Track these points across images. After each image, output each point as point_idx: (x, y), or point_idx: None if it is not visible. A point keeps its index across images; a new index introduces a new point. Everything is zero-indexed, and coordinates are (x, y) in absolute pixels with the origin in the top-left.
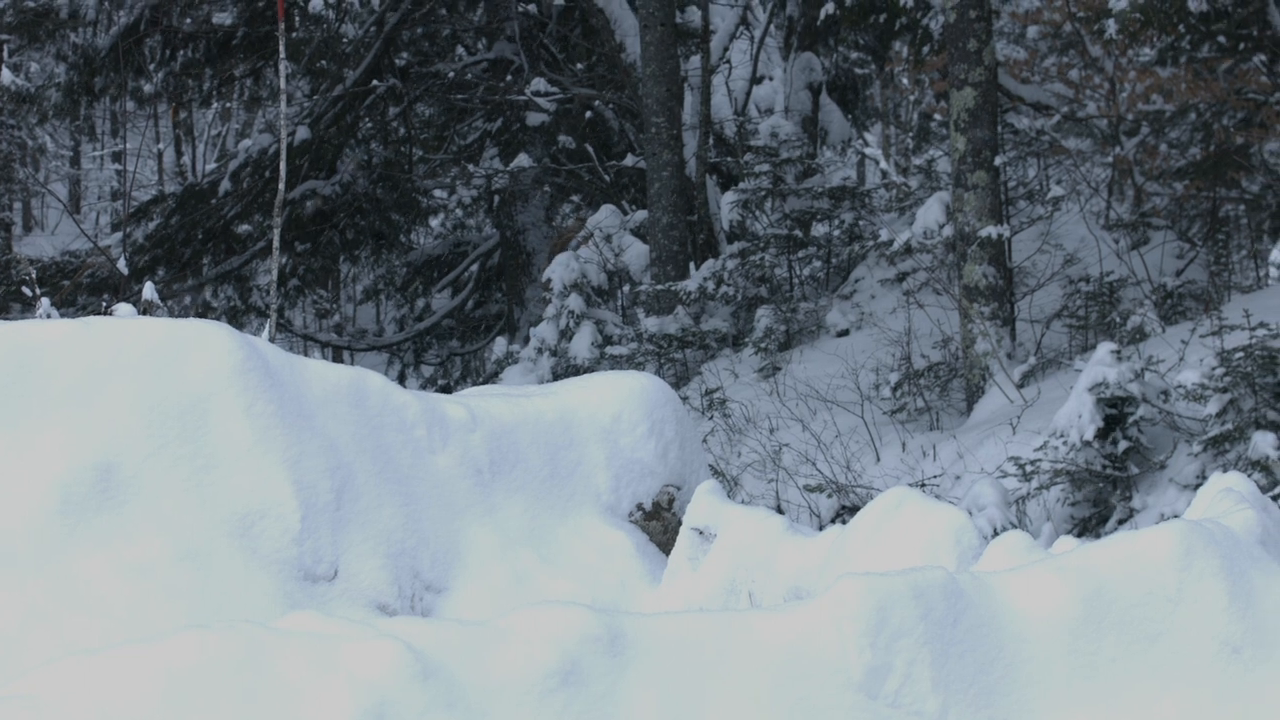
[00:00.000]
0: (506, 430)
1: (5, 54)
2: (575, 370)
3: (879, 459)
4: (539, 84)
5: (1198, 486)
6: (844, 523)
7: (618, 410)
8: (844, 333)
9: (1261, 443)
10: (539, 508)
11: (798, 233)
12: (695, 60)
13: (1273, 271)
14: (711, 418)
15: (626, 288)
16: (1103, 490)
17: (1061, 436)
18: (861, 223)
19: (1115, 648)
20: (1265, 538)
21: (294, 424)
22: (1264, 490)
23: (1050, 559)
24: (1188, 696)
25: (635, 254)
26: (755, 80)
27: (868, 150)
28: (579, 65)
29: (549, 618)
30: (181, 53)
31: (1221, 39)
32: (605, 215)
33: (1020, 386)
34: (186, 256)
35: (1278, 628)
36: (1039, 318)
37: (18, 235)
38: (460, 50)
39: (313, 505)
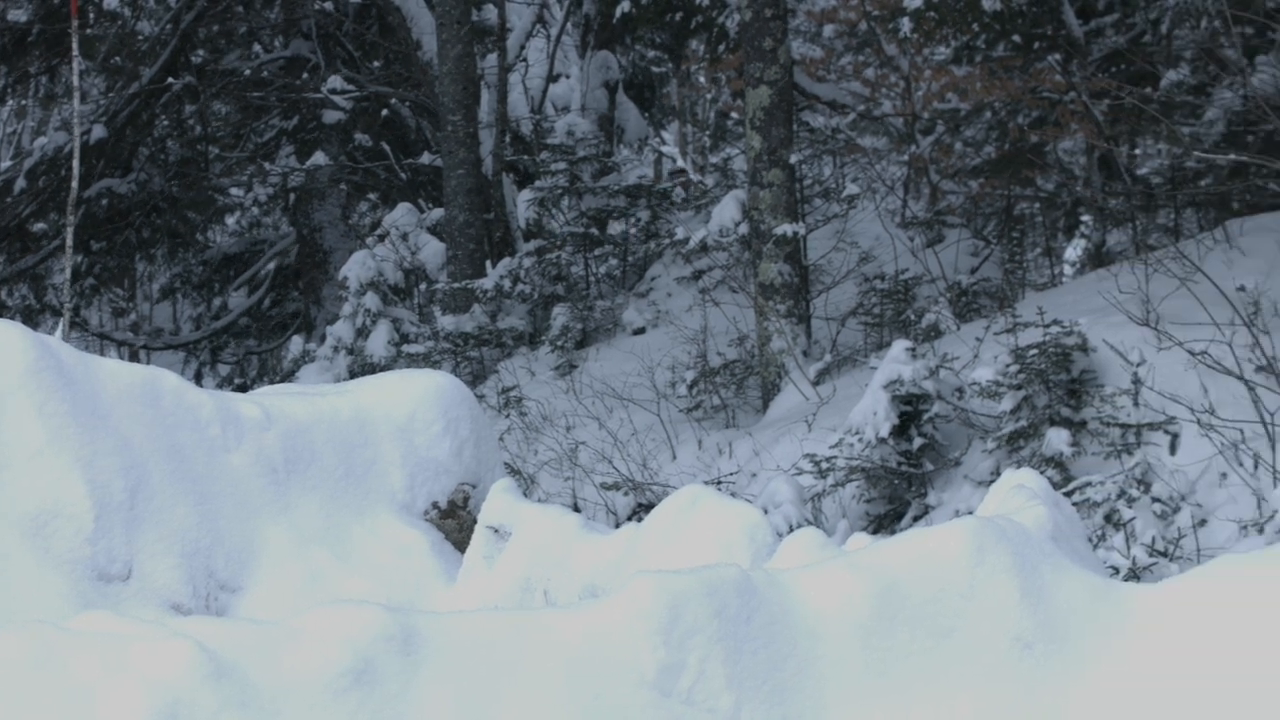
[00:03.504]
0: (301, 429)
1: None
2: (372, 369)
3: (675, 456)
4: (335, 82)
5: (992, 483)
6: (640, 520)
7: (413, 409)
8: (640, 331)
9: (1055, 439)
10: (334, 506)
11: (594, 231)
12: (492, 58)
13: (1067, 269)
14: (508, 416)
15: (423, 286)
16: (898, 487)
17: (857, 434)
18: (658, 221)
19: (908, 644)
20: (1057, 534)
21: (88, 423)
22: (1058, 486)
23: (843, 556)
24: (980, 691)
25: (432, 252)
26: (552, 78)
27: (664, 148)
28: (376, 63)
29: (342, 617)
30: None
31: (1016, 38)
32: (402, 213)
33: (816, 384)
34: None
35: (1068, 623)
36: (834, 315)
37: None
38: (257, 48)
39: (106, 505)
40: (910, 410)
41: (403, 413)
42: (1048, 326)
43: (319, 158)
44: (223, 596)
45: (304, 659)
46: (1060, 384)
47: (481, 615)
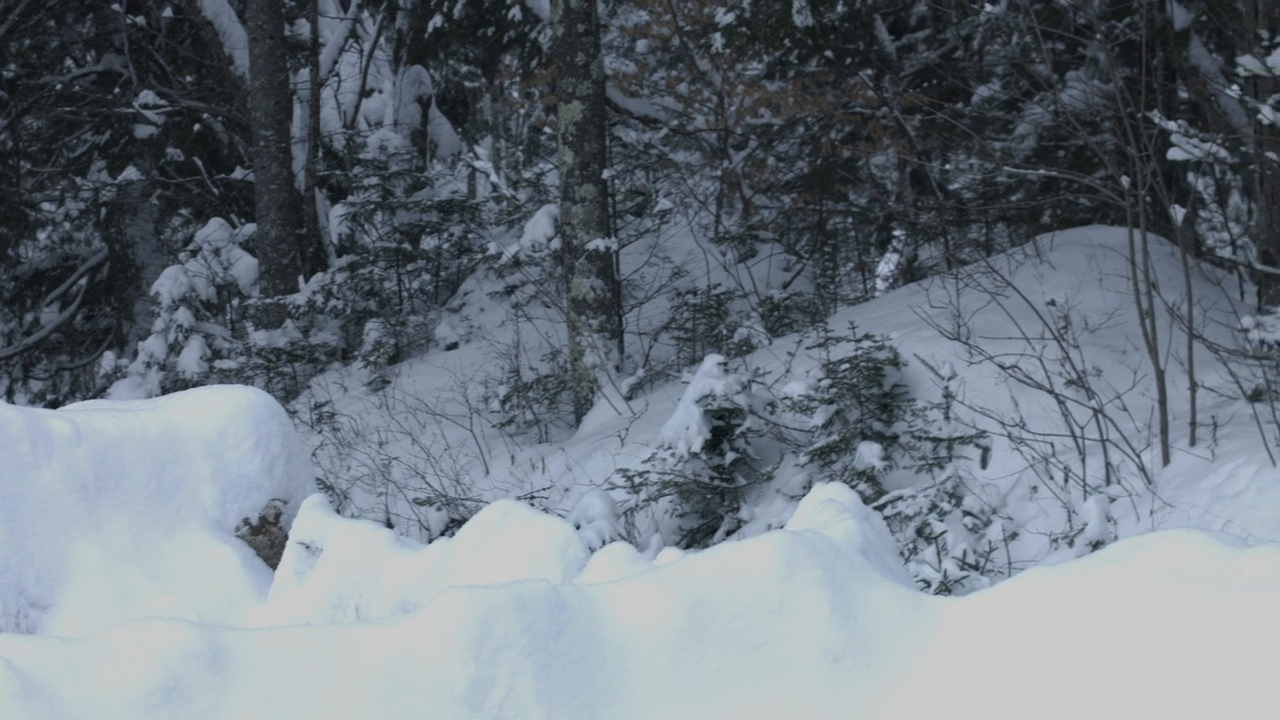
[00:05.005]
0: (112, 445)
1: None
2: (184, 384)
3: (488, 472)
4: (147, 96)
5: (805, 497)
6: (453, 536)
7: (224, 424)
8: (453, 346)
9: (867, 453)
10: (145, 523)
11: (407, 246)
12: (305, 73)
13: (879, 283)
14: (321, 432)
15: (236, 301)
16: (711, 501)
17: (669, 448)
18: (471, 236)
19: (719, 658)
20: (866, 548)
21: None
22: (870, 500)
23: (654, 570)
24: (790, 705)
25: (244, 267)
26: (365, 93)
27: (478, 163)
28: (189, 78)
29: (151, 634)
30: None
31: (829, 54)
32: (214, 229)
33: (628, 399)
34: None
35: (879, 636)
36: (647, 330)
37: None
38: (69, 62)
39: None
40: (722, 425)
41: (214, 428)
42: (859, 341)
43: (131, 173)
44: (33, 614)
45: (113, 676)
46: (872, 398)
47: (292, 631)
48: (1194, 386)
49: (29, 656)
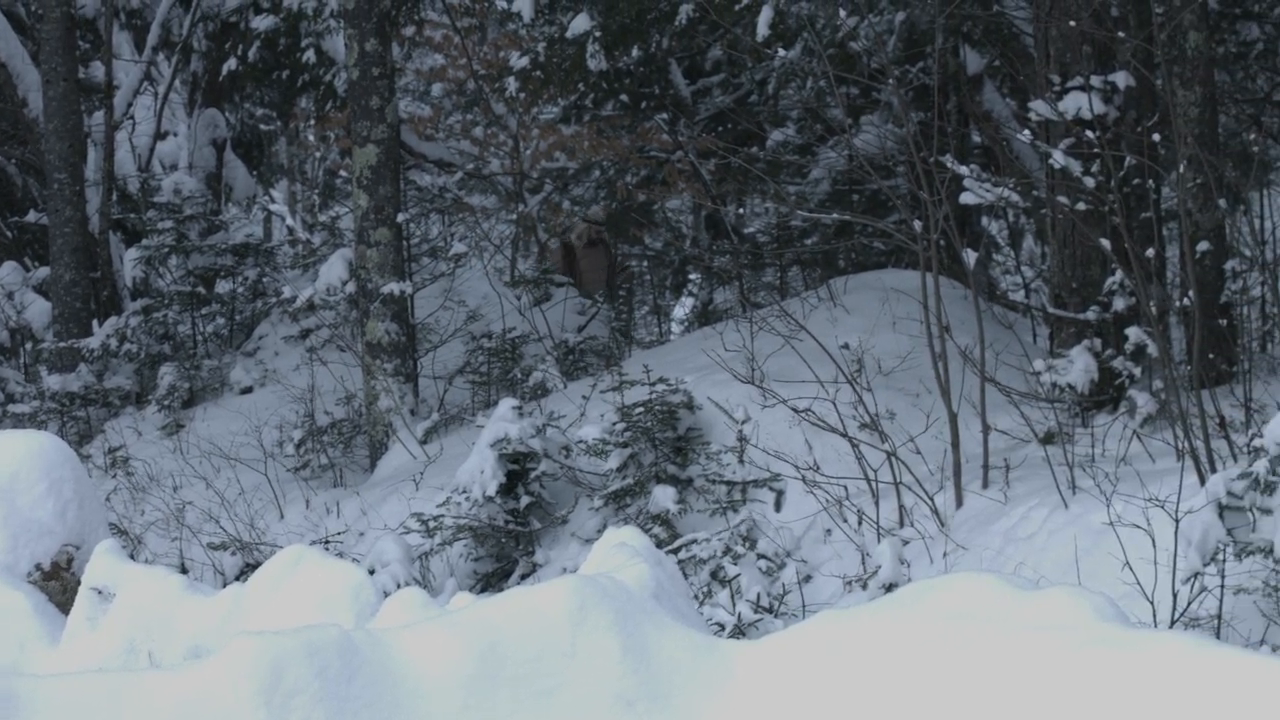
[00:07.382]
0: None
1: None
2: None
3: (283, 516)
4: None
5: (598, 541)
6: (247, 581)
7: (15, 469)
8: (248, 390)
9: (661, 496)
10: None
11: (201, 289)
12: (99, 115)
13: (674, 327)
14: (114, 476)
15: (29, 345)
16: (506, 545)
17: (464, 492)
18: (266, 279)
19: (511, 703)
20: (659, 591)
21: None
22: (665, 544)
23: (445, 615)
24: None
25: (38, 311)
26: (159, 136)
27: (273, 207)
28: None
29: None
30: None
31: (624, 98)
32: (7, 272)
33: (423, 443)
34: None
35: (671, 680)
36: (442, 374)
37: None
38: None
39: None
40: (517, 468)
41: (5, 473)
42: (654, 384)
43: None
44: None
45: None
46: (667, 441)
47: (82, 677)
48: (986, 430)
49: None
